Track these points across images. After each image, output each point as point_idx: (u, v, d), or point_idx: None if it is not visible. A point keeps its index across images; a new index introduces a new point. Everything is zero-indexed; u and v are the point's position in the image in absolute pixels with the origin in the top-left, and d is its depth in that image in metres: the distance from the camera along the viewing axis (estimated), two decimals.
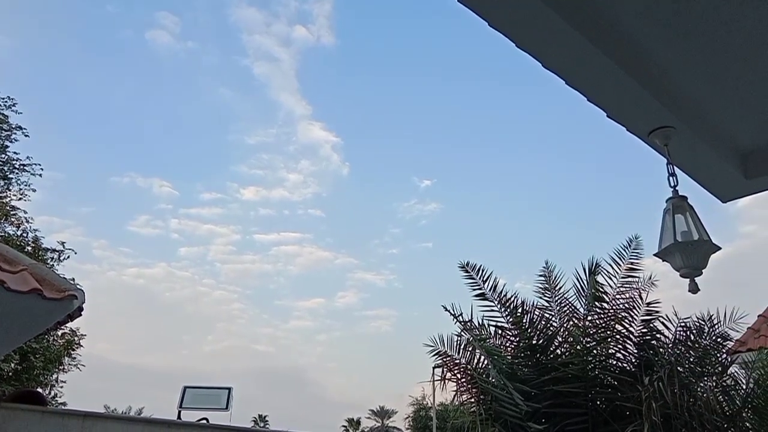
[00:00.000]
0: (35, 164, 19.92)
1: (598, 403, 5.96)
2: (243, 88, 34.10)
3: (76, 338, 18.68)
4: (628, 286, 6.62)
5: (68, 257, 18.96)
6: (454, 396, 6.86)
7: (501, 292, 6.85)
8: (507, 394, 5.74)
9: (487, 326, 6.93)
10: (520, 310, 6.75)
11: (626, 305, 6.44)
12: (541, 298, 7.12)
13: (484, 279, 6.92)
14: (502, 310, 6.82)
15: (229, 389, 8.42)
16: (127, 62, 30.60)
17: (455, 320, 6.82)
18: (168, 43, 29.74)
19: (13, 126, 19.44)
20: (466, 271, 7.07)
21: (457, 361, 6.71)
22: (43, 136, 21.37)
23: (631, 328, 6.26)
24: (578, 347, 6.17)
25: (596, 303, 6.42)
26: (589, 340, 6.18)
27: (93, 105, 30.62)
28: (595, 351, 6.18)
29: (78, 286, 4.87)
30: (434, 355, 6.85)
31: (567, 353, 6.31)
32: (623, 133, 3.08)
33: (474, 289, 6.97)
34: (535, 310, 6.84)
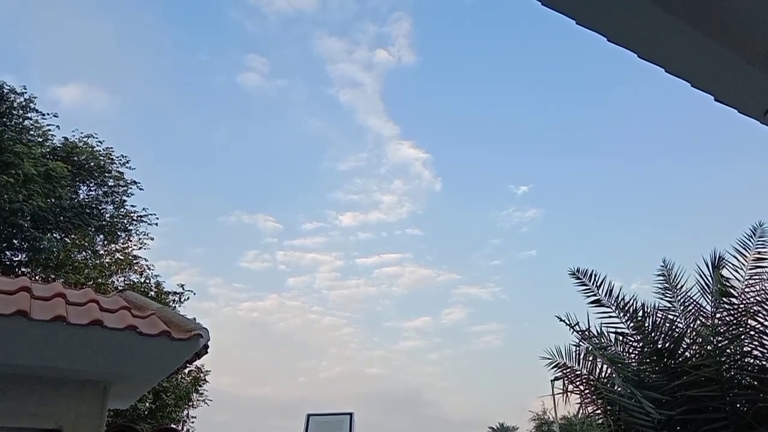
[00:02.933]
0: (151, 214, 21.36)
1: (738, 406, 5.55)
2: (331, 117, 35.06)
3: (202, 375, 19.66)
4: (757, 277, 6.16)
5: (188, 298, 20.07)
6: (579, 408, 6.61)
7: (617, 296, 6.57)
8: (636, 403, 5.46)
9: (606, 333, 6.65)
10: (640, 314, 6.43)
11: (758, 298, 5.99)
12: (662, 298, 6.77)
13: (598, 284, 6.67)
14: (621, 315, 6.53)
15: (351, 414, 8.53)
16: (222, 105, 32.27)
17: (571, 330, 6.60)
18: (258, 83, 31.15)
19: (129, 182, 20.97)
20: (578, 278, 6.84)
21: (578, 372, 6.47)
22: (153, 184, 22.98)
23: (766, 322, 5.81)
24: (709, 348, 5.79)
25: (724, 299, 6.01)
26: (720, 339, 5.79)
27: (195, 150, 32.53)
28: (728, 350, 5.77)
29: (199, 324, 5.15)
30: (552, 368, 6.65)
31: (697, 355, 5.94)
32: (731, 120, 2.89)
33: (588, 296, 6.73)
34: (657, 312, 6.50)
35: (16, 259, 18.75)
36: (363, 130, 35.82)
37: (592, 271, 6.71)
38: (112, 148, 20.66)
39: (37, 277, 18.16)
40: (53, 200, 18.36)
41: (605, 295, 6.78)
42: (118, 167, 20.77)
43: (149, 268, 20.29)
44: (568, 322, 6.60)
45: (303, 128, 35.14)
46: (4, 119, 18.09)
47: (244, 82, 31.00)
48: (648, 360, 6.25)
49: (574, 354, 6.63)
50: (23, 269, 18.61)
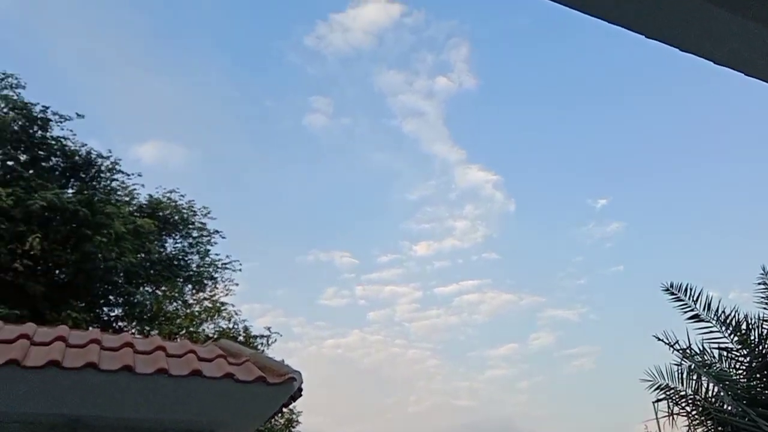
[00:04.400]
0: (234, 261, 22.06)
1: None
2: (396, 148, 35.38)
3: (294, 416, 19.93)
4: None
5: (275, 340, 20.51)
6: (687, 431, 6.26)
7: (717, 309, 6.24)
8: (750, 423, 5.13)
9: (709, 350, 6.32)
10: (744, 327, 6.08)
11: None
12: (765, 308, 6.38)
13: (695, 298, 6.36)
14: (723, 329, 6.19)
15: None
16: (291, 148, 33.23)
17: (671, 349, 6.30)
18: (323, 123, 31.92)
19: (211, 231, 21.80)
20: (672, 293, 6.55)
21: (683, 393, 6.15)
22: (233, 231, 23.87)
23: None
24: None
25: None
26: None
27: (269, 194, 33.50)
28: None
29: (292, 368, 5.25)
30: (654, 390, 6.36)
31: None
32: None
33: (685, 311, 6.42)
34: (762, 324, 6.13)
35: (113, 314, 19.73)
36: (429, 157, 35.81)
37: (687, 284, 6.41)
38: (193, 200, 21.59)
39: (133, 331, 19.04)
40: (143, 255, 19.29)
41: (703, 309, 6.46)
42: (200, 218, 21.65)
43: (236, 314, 20.91)
44: (667, 341, 6.30)
45: (370, 162, 35.52)
46: (94, 183, 19.28)
47: (310, 123, 31.77)
48: (758, 375, 5.87)
49: (676, 374, 6.32)
50: (119, 323, 19.56)
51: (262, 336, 20.19)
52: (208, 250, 21.89)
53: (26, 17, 26.44)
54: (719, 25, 2.17)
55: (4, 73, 17.59)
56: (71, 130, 18.53)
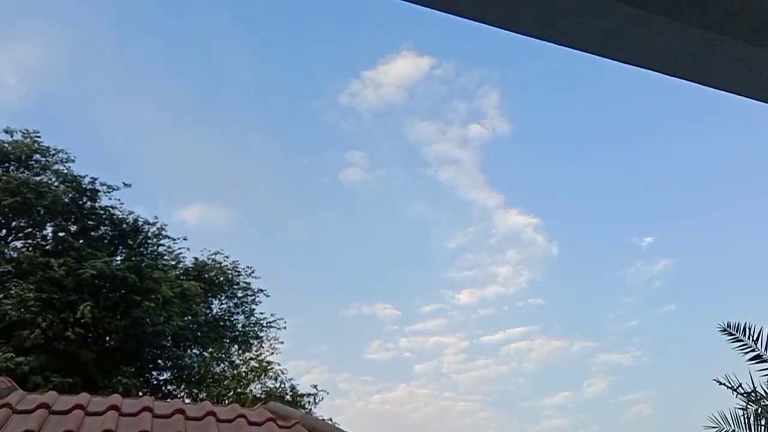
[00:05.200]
0: (279, 319, 22.15)
1: None
2: (433, 197, 35.42)
3: None
4: None
5: (322, 398, 20.30)
6: None
7: None
8: None
9: None
10: None
11: None
12: None
13: (755, 338, 6.10)
14: None
15: None
16: (329, 203, 33.58)
17: (734, 393, 6.02)
18: (360, 177, 32.27)
19: (256, 290, 22.01)
20: (730, 333, 6.30)
21: None
22: (276, 289, 24.04)
23: None
24: None
25: None
26: None
27: (309, 250, 33.75)
28: None
29: (336, 425, 5.19)
30: None
31: None
32: None
33: (746, 352, 6.16)
34: None
35: (162, 378, 19.90)
36: (467, 204, 35.73)
37: (745, 324, 6.17)
38: (237, 261, 21.91)
39: (182, 394, 19.12)
40: (190, 318, 19.55)
41: (765, 348, 6.18)
42: (244, 278, 21.91)
43: (283, 373, 20.84)
44: (729, 385, 6.03)
45: (408, 212, 35.61)
46: (142, 249, 19.79)
47: (347, 178, 32.18)
48: None
49: (742, 419, 6.01)
50: (168, 387, 19.70)
51: (309, 394, 20.03)
52: (253, 310, 22.09)
53: (72, 93, 27.81)
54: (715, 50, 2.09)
55: (55, 149, 18.46)
56: (119, 199, 19.22)
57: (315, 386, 20.63)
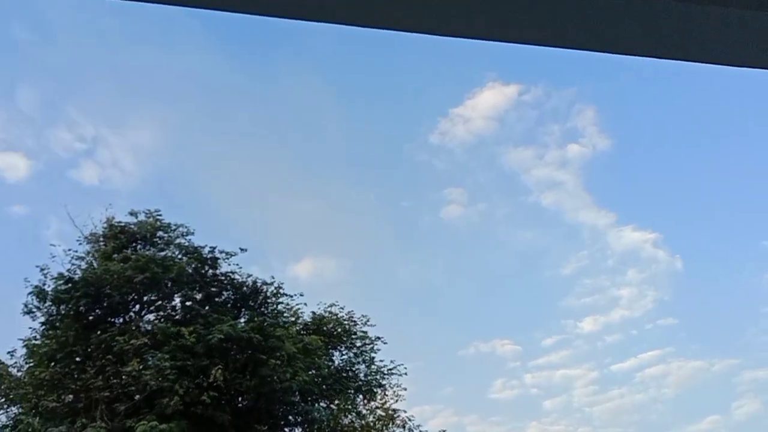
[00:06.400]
0: (399, 365, 22.12)
1: None
2: (539, 224, 34.46)
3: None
4: None
5: None
6: None
7: None
8: None
9: None
10: None
11: None
12: None
13: None
14: None
15: None
16: (433, 243, 33.53)
17: None
18: (460, 212, 32.07)
19: (373, 339, 22.15)
20: None
21: None
22: (392, 335, 24.08)
23: None
24: None
25: None
26: None
27: (419, 293, 33.64)
28: None
29: None
30: None
31: None
32: None
33: None
34: None
35: None
36: (576, 227, 34.47)
37: None
38: (352, 311, 22.20)
39: None
40: (314, 371, 19.91)
41: None
42: (361, 327, 22.13)
43: (410, 419, 20.69)
44: None
45: (514, 243, 34.83)
46: (262, 309, 20.52)
47: (447, 215, 32.11)
48: None
49: None
50: None
51: None
52: (373, 358, 22.19)
53: (183, 170, 29.79)
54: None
55: (175, 225, 19.74)
56: (237, 264, 20.16)
57: (444, 431, 20.33)
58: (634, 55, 1.65)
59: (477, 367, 32.56)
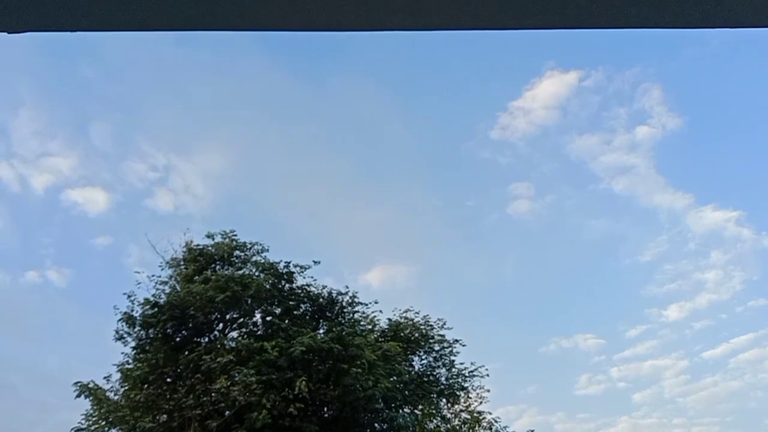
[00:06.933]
0: (480, 367, 21.92)
1: None
2: (612, 211, 33.44)
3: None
4: None
5: None
6: None
7: None
8: None
9: None
10: None
11: None
12: None
13: None
14: None
15: None
16: (502, 240, 33.04)
17: None
18: (528, 207, 31.53)
19: (451, 342, 22.05)
20: None
21: None
22: (471, 336, 23.82)
23: None
24: None
25: None
26: None
27: (492, 292, 33.16)
28: None
29: None
30: None
31: None
32: None
33: None
34: None
35: None
36: (651, 211, 33.30)
37: None
38: (428, 315, 22.18)
39: None
40: (395, 378, 19.97)
41: None
42: (438, 331, 22.07)
43: (496, 421, 20.45)
44: None
45: (587, 233, 33.97)
46: (339, 318, 20.79)
47: (515, 210, 31.63)
48: None
49: None
50: None
51: None
52: (453, 361, 22.08)
53: (252, 189, 30.58)
54: None
55: (250, 243, 20.32)
56: (312, 276, 20.52)
57: (532, 431, 19.98)
58: (696, 27, 1.58)
59: (560, 363, 31.84)
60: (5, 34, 1.36)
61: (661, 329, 33.11)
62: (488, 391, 21.72)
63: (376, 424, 20.26)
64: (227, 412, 17.53)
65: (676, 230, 33.90)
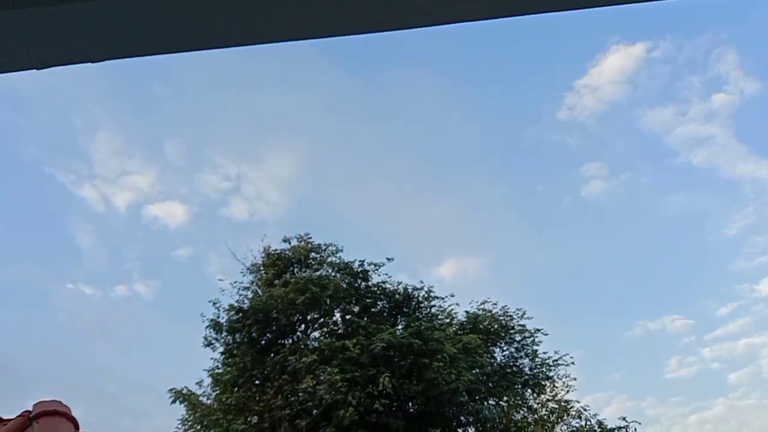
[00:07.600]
0: (564, 355, 21.49)
1: None
2: (692, 185, 31.91)
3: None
4: None
5: (635, 430, 18.98)
6: None
7: None
8: None
9: None
10: None
11: None
12: None
13: None
14: None
15: None
16: (577, 223, 32.13)
17: None
18: (603, 187, 30.50)
19: (533, 331, 21.72)
20: None
21: None
22: (552, 324, 23.29)
23: None
24: None
25: None
26: None
27: (570, 278, 32.34)
28: None
29: None
30: None
31: None
32: None
33: None
34: None
35: None
36: (734, 182, 31.60)
37: None
38: (507, 305, 21.95)
39: None
40: (477, 370, 19.88)
41: None
42: (518, 321, 21.79)
43: (585, 409, 20.02)
44: None
45: (667, 210, 32.60)
46: (416, 313, 20.87)
47: (589, 193, 30.66)
48: None
49: None
50: None
51: (619, 428, 18.89)
52: (536, 351, 21.75)
53: (321, 191, 31.10)
54: None
55: (325, 245, 20.72)
56: (386, 273, 20.70)
57: (623, 418, 19.45)
58: None
59: (647, 347, 30.74)
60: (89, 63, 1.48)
61: (754, 305, 31.41)
62: (575, 379, 21.29)
63: (461, 417, 20.23)
64: (315, 411, 17.94)
65: (763, 200, 32.07)
